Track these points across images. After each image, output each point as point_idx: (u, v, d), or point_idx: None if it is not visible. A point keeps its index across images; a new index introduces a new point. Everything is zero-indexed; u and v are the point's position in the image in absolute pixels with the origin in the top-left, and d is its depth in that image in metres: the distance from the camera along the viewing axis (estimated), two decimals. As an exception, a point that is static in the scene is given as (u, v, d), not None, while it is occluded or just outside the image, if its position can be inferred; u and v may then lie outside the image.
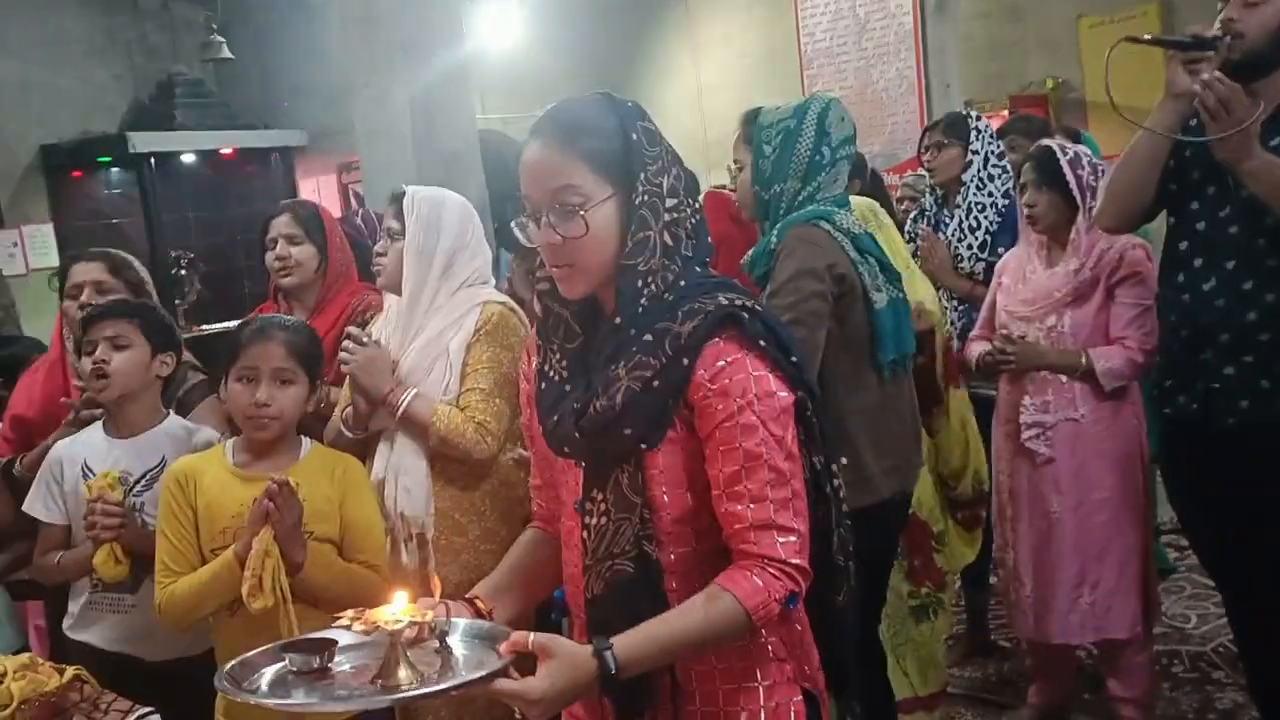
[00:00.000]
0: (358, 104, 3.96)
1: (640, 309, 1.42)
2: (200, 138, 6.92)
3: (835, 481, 1.48)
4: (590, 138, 1.42)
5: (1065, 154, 2.92)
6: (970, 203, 3.55)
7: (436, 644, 1.38)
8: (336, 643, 1.42)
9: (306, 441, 2.31)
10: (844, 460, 2.44)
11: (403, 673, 1.32)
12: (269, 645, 1.46)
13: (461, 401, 2.45)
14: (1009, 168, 3.53)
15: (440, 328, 2.49)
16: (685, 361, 1.38)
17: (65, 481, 2.40)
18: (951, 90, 5.17)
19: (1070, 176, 2.88)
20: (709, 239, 1.50)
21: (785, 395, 1.40)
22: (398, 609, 1.36)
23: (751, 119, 2.40)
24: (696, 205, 1.49)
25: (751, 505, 1.37)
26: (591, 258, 1.43)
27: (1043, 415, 2.95)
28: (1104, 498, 2.94)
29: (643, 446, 1.41)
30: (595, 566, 1.44)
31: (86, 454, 2.40)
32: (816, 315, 2.31)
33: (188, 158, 6.94)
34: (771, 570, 1.36)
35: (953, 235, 3.57)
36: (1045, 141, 3.11)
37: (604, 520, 1.43)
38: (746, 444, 1.37)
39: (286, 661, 1.41)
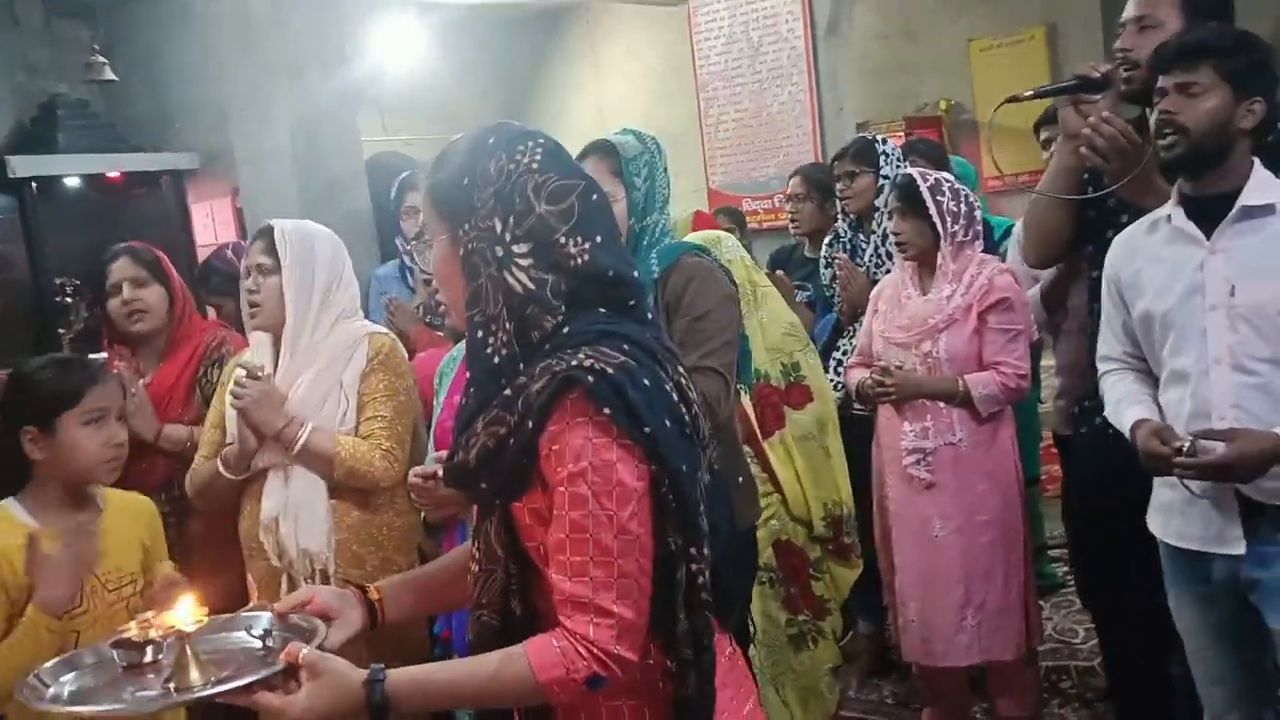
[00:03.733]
0: (236, 126, 3.86)
1: (490, 360, 1.36)
2: (85, 161, 6.69)
3: (694, 566, 1.33)
4: (437, 175, 1.41)
5: (926, 181, 2.96)
6: (885, 228, 3.56)
7: (257, 638, 1.43)
8: (179, 636, 1.39)
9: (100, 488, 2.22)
10: (740, 480, 2.46)
11: (193, 674, 1.34)
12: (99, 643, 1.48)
13: (364, 430, 2.46)
14: None
15: (328, 360, 2.49)
16: (532, 423, 1.31)
17: None
18: (844, 113, 5.23)
19: (930, 203, 2.92)
20: (610, 276, 1.38)
21: (629, 468, 1.29)
22: (186, 611, 1.38)
23: (608, 149, 2.37)
24: (585, 242, 1.36)
25: (571, 579, 1.29)
26: (449, 294, 1.43)
27: (923, 441, 2.97)
28: (987, 519, 2.97)
29: (501, 501, 1.37)
30: (472, 613, 1.42)
31: None
32: (738, 342, 2.37)
33: (72, 181, 6.69)
34: (579, 649, 1.28)
35: (870, 261, 3.58)
36: (907, 169, 3.14)
37: (478, 569, 1.41)
38: (573, 514, 1.29)
39: (115, 657, 1.43)
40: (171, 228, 6.95)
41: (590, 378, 1.28)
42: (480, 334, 1.36)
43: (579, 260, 1.36)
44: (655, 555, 1.31)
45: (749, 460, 3.02)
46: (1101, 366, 2.27)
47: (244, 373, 2.42)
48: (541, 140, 1.41)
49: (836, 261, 3.62)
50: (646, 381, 1.32)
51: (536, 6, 8.94)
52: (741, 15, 5.24)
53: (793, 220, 3.93)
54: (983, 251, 3.03)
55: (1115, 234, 2.40)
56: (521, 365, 1.35)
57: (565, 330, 1.35)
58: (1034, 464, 3.91)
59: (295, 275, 2.46)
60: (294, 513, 2.44)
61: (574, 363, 1.30)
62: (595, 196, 1.41)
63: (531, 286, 1.35)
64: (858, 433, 3.22)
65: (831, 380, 3.36)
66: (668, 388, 1.35)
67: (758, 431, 3.06)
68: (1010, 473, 3.01)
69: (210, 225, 7.27)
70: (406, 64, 8.93)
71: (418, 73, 8.92)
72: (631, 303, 1.40)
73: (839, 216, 3.75)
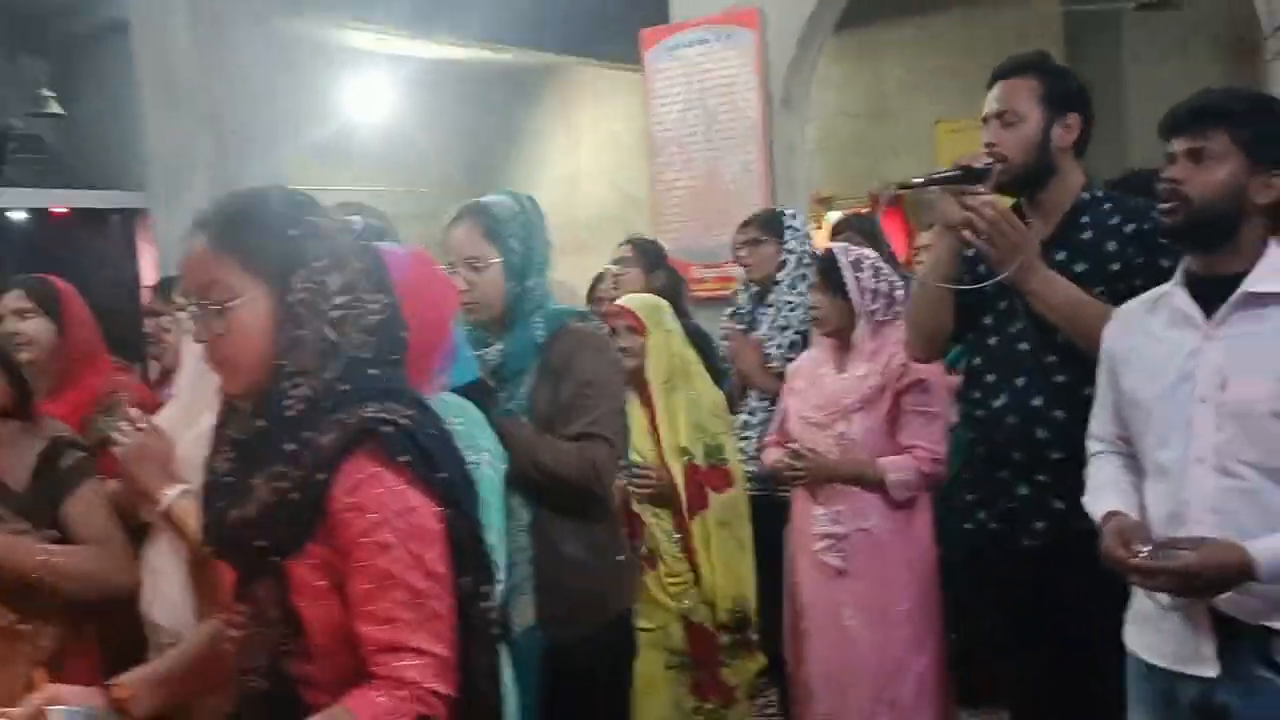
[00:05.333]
0: (154, 173, 3.76)
1: (288, 413, 1.36)
2: (32, 195, 6.58)
3: (485, 604, 1.42)
4: (244, 233, 1.39)
5: (847, 256, 2.88)
6: (781, 302, 3.49)
7: None
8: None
9: None
10: (622, 557, 2.35)
11: None
12: None
13: None
14: None
15: None
16: (322, 476, 1.32)
17: None
18: (797, 186, 5.16)
19: (850, 279, 2.83)
20: (402, 336, 1.44)
21: (428, 513, 1.35)
22: None
23: (479, 211, 2.27)
24: (386, 300, 1.43)
25: (383, 626, 1.31)
26: (241, 356, 1.40)
27: (835, 526, 2.86)
28: (902, 611, 2.85)
29: (277, 559, 1.35)
30: (236, 679, 1.41)
31: None
32: (624, 411, 2.34)
33: (16, 215, 6.59)
34: (402, 694, 1.30)
35: (765, 334, 3.49)
36: (831, 244, 3.08)
37: (244, 634, 1.40)
38: (380, 562, 1.31)
39: None
40: (119, 266, 6.84)
41: (386, 428, 1.33)
42: (284, 385, 1.36)
43: (379, 317, 1.41)
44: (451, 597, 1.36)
45: (672, 540, 2.94)
46: (1090, 447, 2.10)
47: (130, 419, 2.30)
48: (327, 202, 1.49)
49: (729, 333, 3.55)
50: (433, 432, 1.39)
51: (508, 66, 8.95)
52: (698, 82, 5.18)
53: (744, 265, 3.69)
54: None
55: (993, 319, 2.36)
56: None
57: (346, 387, 1.37)
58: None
59: None
60: (154, 579, 2.27)
61: (367, 415, 1.33)
62: (381, 259, 1.48)
63: (337, 341, 1.38)
64: (769, 518, 3.10)
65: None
66: (448, 437, 1.44)
67: (685, 510, 2.99)
68: (928, 562, 2.89)
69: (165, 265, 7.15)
70: (378, 118, 8.94)
71: (387, 127, 8.92)
72: (396, 360, 1.44)
73: (740, 289, 3.68)
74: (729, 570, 3.02)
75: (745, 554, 3.07)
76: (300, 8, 5.90)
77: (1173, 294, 1.92)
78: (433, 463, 1.36)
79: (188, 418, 2.33)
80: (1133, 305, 2.03)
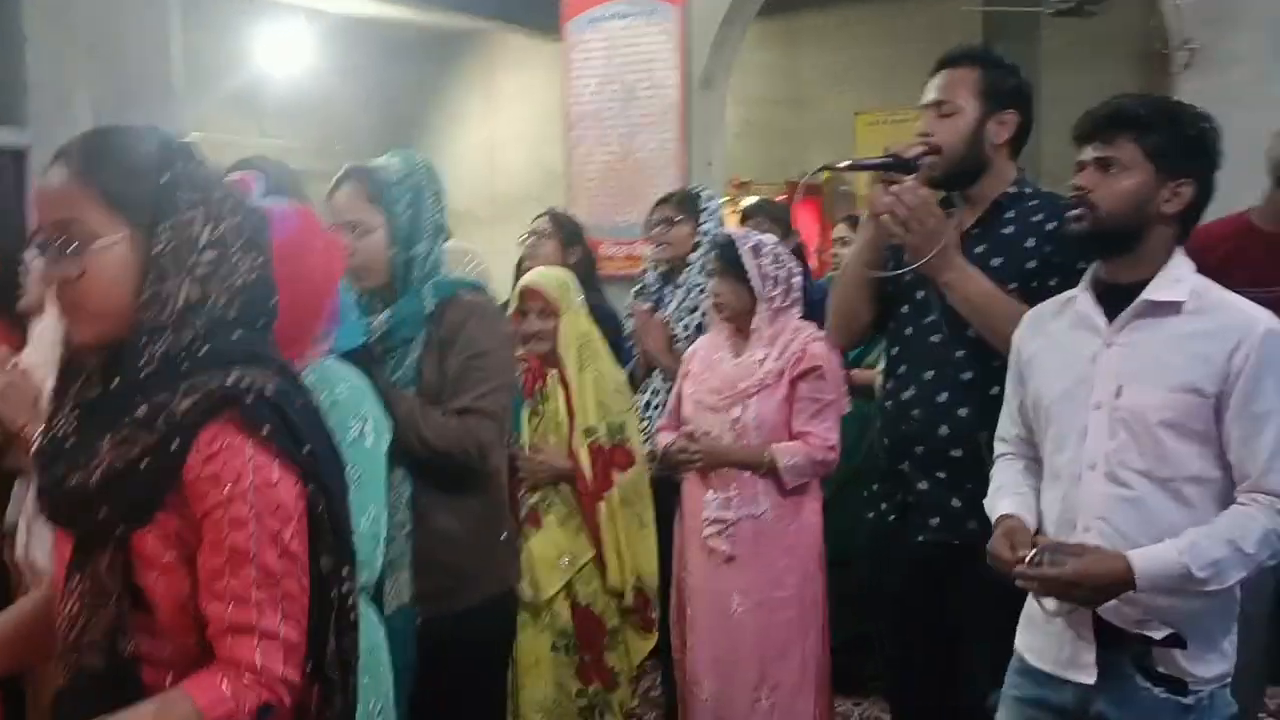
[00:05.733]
0: (33, 104, 3.57)
1: (143, 373, 1.26)
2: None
3: (345, 587, 1.33)
4: (111, 170, 1.29)
5: (746, 242, 2.86)
6: (691, 283, 3.46)
7: None
8: None
9: None
10: (504, 535, 2.31)
11: None
12: None
13: None
14: None
15: None
16: (177, 443, 1.24)
17: None
18: (713, 168, 5.15)
19: (750, 265, 2.81)
20: (272, 302, 1.36)
21: (289, 488, 1.27)
22: None
23: (362, 175, 2.19)
24: (258, 260, 1.35)
25: (232, 605, 1.24)
26: (97, 302, 1.29)
27: (724, 511, 2.84)
28: (786, 596, 2.84)
29: (121, 530, 1.26)
30: (65, 656, 1.31)
31: None
32: (513, 387, 2.28)
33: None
34: (245, 679, 1.23)
35: (673, 314, 3.46)
36: (727, 229, 3.06)
37: (78, 606, 1.30)
38: (234, 537, 1.23)
39: None
40: (6, 207, 6.54)
41: (249, 397, 1.25)
42: (140, 341, 1.27)
43: (249, 278, 1.33)
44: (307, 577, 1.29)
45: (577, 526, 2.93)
46: (996, 449, 2.09)
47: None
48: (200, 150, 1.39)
49: (636, 311, 3.51)
50: (299, 403, 1.32)
51: (430, 27, 8.76)
52: (618, 57, 5.13)
53: (659, 244, 3.64)
54: (811, 315, 2.93)
55: (909, 309, 2.34)
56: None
57: (205, 349, 1.28)
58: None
59: None
60: (28, 522, 2.25)
61: (229, 382, 1.26)
62: (259, 215, 1.39)
63: (200, 298, 1.29)
64: (663, 501, 3.08)
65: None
66: (315, 410, 1.36)
67: (590, 493, 2.96)
68: (813, 549, 2.90)
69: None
70: (293, 70, 8.68)
71: (303, 79, 8.67)
72: (264, 326, 1.36)
73: (648, 267, 3.64)
74: (631, 548, 3.00)
75: (647, 531, 3.05)
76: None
77: (1078, 298, 1.93)
78: (297, 436, 1.28)
79: (53, 359, 2.26)
80: (1043, 307, 2.03)
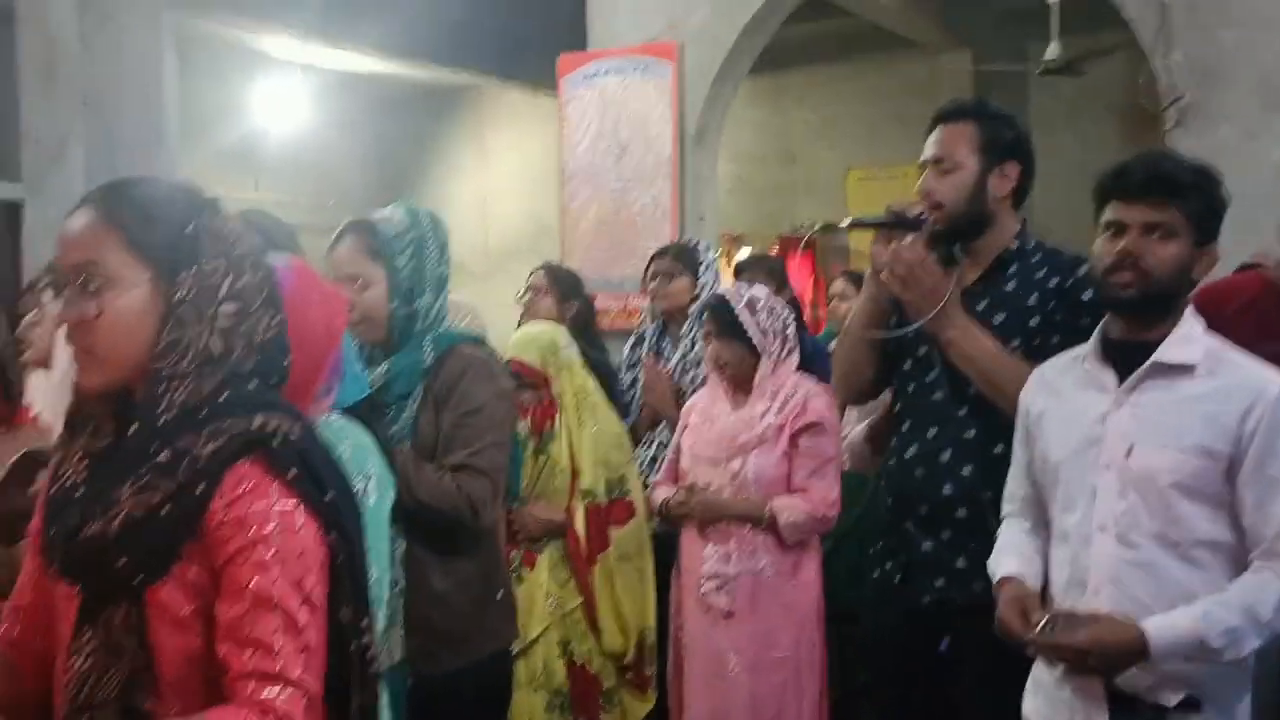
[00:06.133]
0: (27, 156, 3.57)
1: (161, 419, 1.26)
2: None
3: (365, 639, 1.30)
4: (136, 215, 1.29)
5: (740, 300, 2.85)
6: (693, 336, 3.45)
7: None
8: None
9: None
10: (500, 594, 2.30)
11: None
12: None
13: None
14: None
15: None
16: (201, 488, 1.22)
17: None
18: (705, 222, 5.16)
19: (748, 323, 2.81)
20: (286, 362, 1.37)
21: (312, 535, 1.25)
22: None
23: (365, 228, 2.19)
24: (275, 319, 1.35)
25: (254, 652, 1.20)
26: (112, 347, 1.28)
27: (724, 566, 2.81)
28: (781, 657, 2.80)
29: (139, 581, 1.23)
30: (73, 716, 1.26)
31: None
32: (509, 443, 2.27)
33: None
34: (269, 717, 1.19)
35: (676, 367, 3.45)
36: (720, 290, 3.05)
37: (89, 664, 1.25)
38: (258, 583, 1.21)
39: None
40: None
41: (275, 440, 1.25)
42: (158, 389, 1.26)
43: (266, 335, 1.34)
44: (328, 627, 1.27)
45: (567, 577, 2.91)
46: (1004, 508, 2.06)
47: None
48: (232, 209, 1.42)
49: (642, 363, 3.49)
50: (319, 451, 1.31)
51: (424, 82, 8.83)
52: (612, 112, 5.16)
53: (657, 296, 3.60)
54: (807, 368, 2.92)
55: (912, 366, 2.32)
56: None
57: (225, 397, 1.28)
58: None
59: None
60: None
61: (255, 425, 1.25)
62: (276, 279, 1.40)
63: (223, 350, 1.29)
64: (660, 555, 3.05)
65: None
66: (333, 460, 1.35)
67: (584, 556, 2.94)
68: (811, 608, 2.86)
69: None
70: (288, 125, 8.73)
71: (298, 134, 8.72)
72: (276, 384, 1.36)
73: (646, 318, 3.64)
74: (630, 602, 2.96)
75: (646, 584, 3.01)
76: (208, 10, 5.73)
77: (1087, 356, 1.91)
78: (320, 482, 1.27)
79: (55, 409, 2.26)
80: (1050, 365, 2.01)
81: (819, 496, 2.77)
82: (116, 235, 1.28)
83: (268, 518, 1.22)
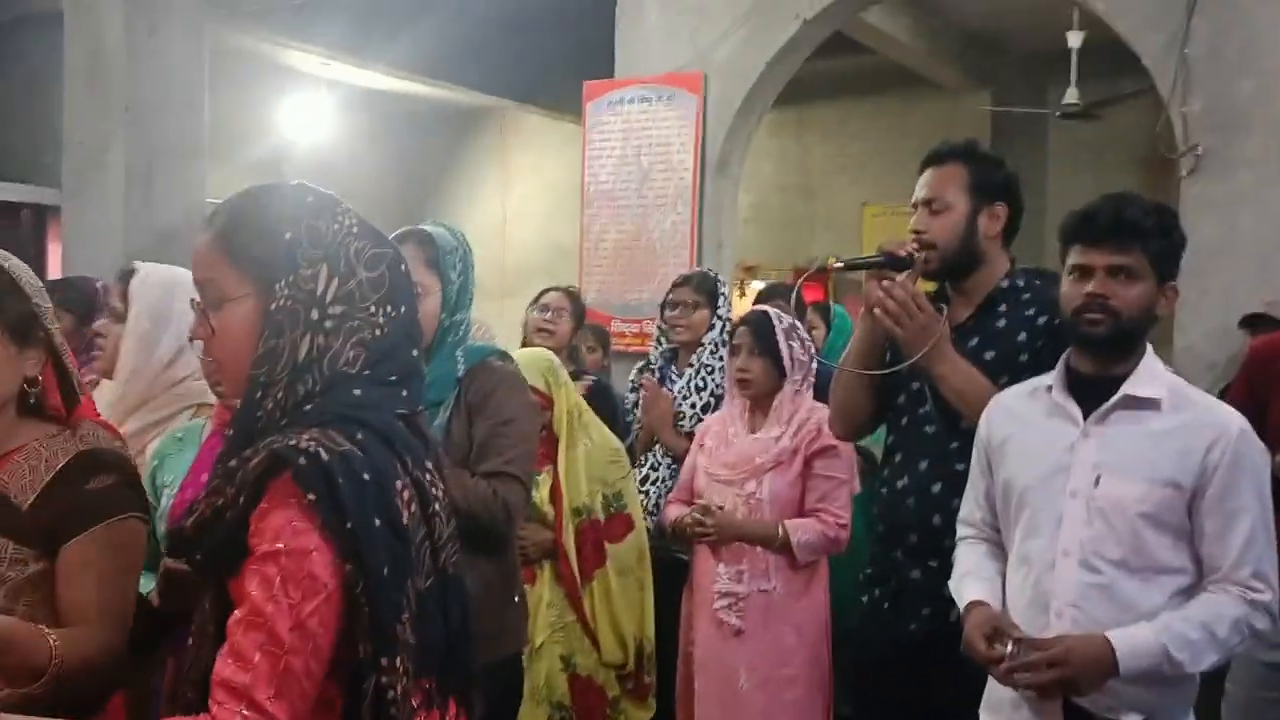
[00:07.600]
0: (70, 161, 3.64)
1: (259, 424, 1.28)
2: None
3: (384, 679, 1.21)
4: (243, 229, 1.32)
5: (781, 322, 2.91)
6: (702, 363, 3.49)
7: None
8: None
9: None
10: (516, 599, 2.35)
11: None
12: None
13: None
14: None
15: (140, 425, 2.30)
16: (244, 499, 1.24)
17: None
18: (724, 250, 5.22)
19: (784, 347, 2.87)
20: (409, 355, 1.35)
21: (324, 561, 1.20)
22: None
23: (425, 239, 2.24)
24: (393, 314, 1.33)
25: (233, 661, 1.18)
26: (229, 360, 1.33)
27: (736, 585, 2.85)
28: (792, 675, 2.84)
29: (216, 574, 1.29)
30: (177, 688, 1.37)
31: None
32: (536, 453, 2.32)
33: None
34: None
35: (679, 392, 3.49)
36: (762, 307, 3.10)
37: (193, 641, 1.34)
38: (256, 596, 1.19)
39: None
40: (24, 261, 6.61)
41: (302, 460, 1.21)
42: (258, 395, 1.28)
43: (380, 332, 1.32)
44: (339, 661, 1.22)
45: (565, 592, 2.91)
46: (959, 531, 2.12)
47: None
48: (349, 206, 1.37)
49: (642, 383, 3.53)
50: (366, 475, 1.23)
51: (449, 102, 8.94)
52: (635, 139, 5.24)
53: (678, 326, 3.65)
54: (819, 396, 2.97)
55: (905, 399, 2.37)
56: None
57: (309, 407, 1.28)
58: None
59: (140, 327, 2.33)
60: None
61: (291, 443, 1.22)
62: (403, 268, 1.38)
63: (318, 353, 1.29)
64: (666, 577, 3.07)
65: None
66: (396, 484, 1.27)
67: (577, 578, 2.95)
68: (820, 628, 2.90)
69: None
70: (317, 136, 8.85)
71: (325, 145, 8.84)
72: (395, 380, 1.34)
73: (657, 342, 3.67)
74: (629, 614, 2.99)
75: (645, 594, 3.04)
76: (243, 24, 5.83)
77: (1052, 387, 1.97)
78: (343, 509, 1.20)
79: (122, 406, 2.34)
80: (1012, 393, 2.07)
81: (831, 519, 2.83)
82: (226, 252, 1.32)
83: (280, 534, 1.20)
